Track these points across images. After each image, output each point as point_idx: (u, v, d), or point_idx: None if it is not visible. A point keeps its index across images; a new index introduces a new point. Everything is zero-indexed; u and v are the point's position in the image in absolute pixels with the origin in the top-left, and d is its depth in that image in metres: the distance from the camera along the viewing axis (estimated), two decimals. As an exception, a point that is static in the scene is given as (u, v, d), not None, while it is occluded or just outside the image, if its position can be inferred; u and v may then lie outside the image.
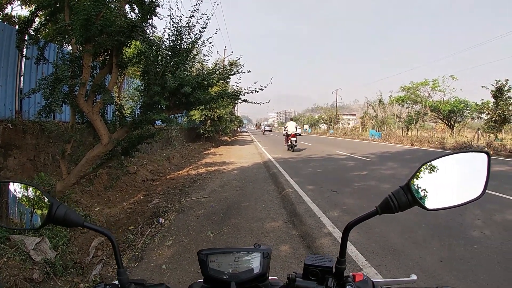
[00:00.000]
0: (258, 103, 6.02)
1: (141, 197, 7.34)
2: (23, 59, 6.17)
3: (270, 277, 1.00)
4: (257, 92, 5.48)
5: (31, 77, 6.45)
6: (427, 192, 0.84)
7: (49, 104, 4.43)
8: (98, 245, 4.38)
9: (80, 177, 5.37)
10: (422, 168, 0.85)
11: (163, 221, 5.41)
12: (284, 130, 18.91)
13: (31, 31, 5.37)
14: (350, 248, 4.14)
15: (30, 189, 0.93)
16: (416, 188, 0.83)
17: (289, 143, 17.87)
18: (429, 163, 0.85)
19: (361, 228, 4.89)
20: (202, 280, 0.98)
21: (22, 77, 6.38)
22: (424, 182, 0.84)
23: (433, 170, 0.85)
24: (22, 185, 0.94)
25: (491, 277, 3.32)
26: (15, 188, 0.95)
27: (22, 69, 6.36)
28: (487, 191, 0.85)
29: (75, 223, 0.87)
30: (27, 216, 0.92)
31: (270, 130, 69.10)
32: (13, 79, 6.01)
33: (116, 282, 0.88)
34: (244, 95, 5.62)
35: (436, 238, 4.43)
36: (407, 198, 0.83)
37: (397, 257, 3.83)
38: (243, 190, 7.87)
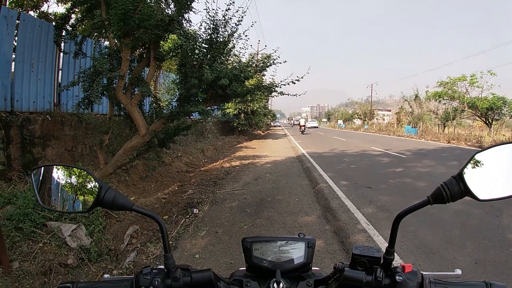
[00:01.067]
0: (294, 95, 5.98)
1: (176, 188, 7.50)
2: (61, 54, 6.36)
3: (313, 268, 1.00)
4: (294, 83, 5.44)
5: (69, 71, 6.65)
6: (479, 182, 0.81)
7: (88, 96, 4.58)
8: (133, 233, 4.51)
9: (117, 167, 5.54)
10: (474, 157, 0.83)
11: (197, 212, 5.51)
12: (298, 123, 31.11)
13: (68, 26, 5.58)
14: (384, 245, 4.04)
15: (78, 172, 0.94)
16: (468, 178, 0.80)
17: (301, 130, 35.08)
18: (481, 152, 0.83)
19: (396, 226, 4.77)
20: (245, 268, 0.99)
21: (60, 71, 6.56)
22: (476, 172, 0.82)
23: (485, 160, 0.82)
24: (70, 168, 0.96)
25: None
26: (61, 171, 0.95)
27: (60, 63, 6.54)
28: None
29: (124, 206, 0.87)
30: (75, 199, 0.94)
31: (305, 126, 54.16)
32: (52, 73, 6.18)
33: (162, 266, 0.88)
34: (280, 87, 5.60)
35: (471, 239, 4.26)
36: (459, 188, 0.80)
37: (431, 257, 3.72)
38: (276, 183, 7.86)
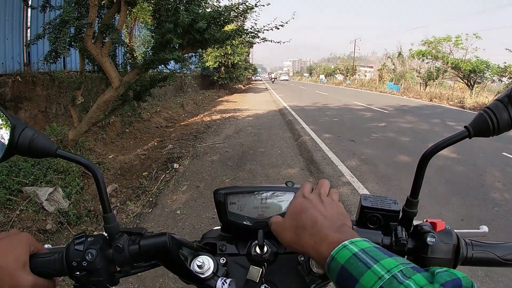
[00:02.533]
0: (278, 42, 5.67)
1: (155, 144, 7.28)
2: (29, 10, 5.87)
3: None
4: (278, 29, 5.14)
5: (38, 28, 6.18)
6: None
7: (55, 48, 4.19)
8: (112, 192, 4.35)
9: (92, 124, 5.25)
10: None
11: (178, 167, 5.35)
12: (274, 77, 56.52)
13: None
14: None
15: None
16: None
17: (272, 80, 52.45)
18: None
19: (380, 179, 4.77)
20: (220, 227, 0.77)
21: (28, 30, 6.10)
22: None
23: None
24: None
25: None
26: None
27: (29, 21, 6.08)
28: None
29: (45, 151, 0.61)
30: None
31: (276, 78, 69.20)
32: (20, 31, 5.78)
33: (104, 233, 0.65)
34: (263, 32, 5.27)
35: (457, 196, 4.30)
36: (509, 115, 0.56)
37: (418, 212, 3.69)
38: (258, 136, 7.75)
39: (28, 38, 6.00)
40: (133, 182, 4.79)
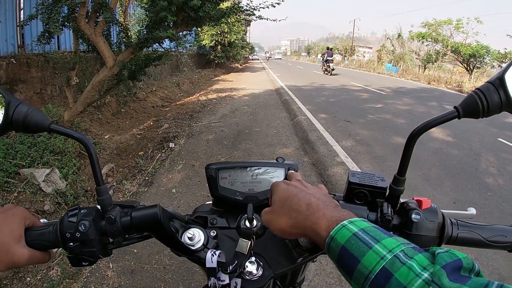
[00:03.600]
0: (274, 20, 5.59)
1: (151, 123, 7.26)
2: None
3: None
4: (274, 6, 5.07)
5: (31, 9, 6.06)
6: None
7: (48, 28, 4.11)
8: (108, 171, 4.37)
9: (87, 105, 5.21)
10: None
11: (173, 146, 5.35)
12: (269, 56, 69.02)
13: None
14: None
15: None
16: (511, 85, 0.57)
17: (267, 58, 64.65)
18: None
19: (375, 160, 4.80)
20: (211, 202, 0.80)
21: (22, 11, 6.00)
22: None
23: None
24: None
25: None
26: None
27: (22, 2, 5.99)
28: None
29: (39, 126, 0.62)
30: None
31: (270, 57, 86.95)
32: (13, 13, 5.69)
33: (98, 206, 0.66)
34: (259, 10, 5.19)
35: (450, 179, 4.33)
36: (499, 97, 0.57)
37: (410, 193, 3.74)
38: (254, 116, 7.74)
39: (22, 19, 5.94)
40: (129, 162, 4.81)
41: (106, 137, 5.70)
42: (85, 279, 2.42)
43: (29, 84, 5.70)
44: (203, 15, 4.54)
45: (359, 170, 4.18)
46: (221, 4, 5.00)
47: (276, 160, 0.78)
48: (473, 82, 21.64)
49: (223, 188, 0.74)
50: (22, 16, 5.92)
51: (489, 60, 25.28)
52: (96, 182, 0.65)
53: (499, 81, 0.57)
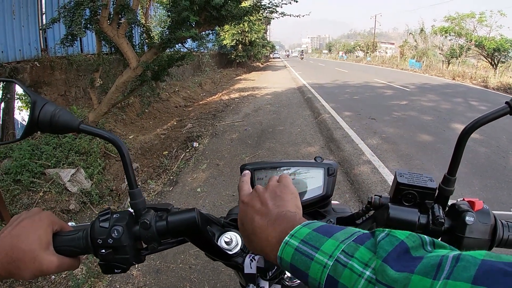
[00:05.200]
0: (297, 16, 5.53)
1: (175, 123, 7.33)
2: None
3: (332, 202, 0.77)
4: (296, 1, 4.99)
5: (53, 13, 6.21)
6: None
7: (71, 31, 4.18)
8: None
9: (112, 106, 5.29)
10: None
11: (197, 145, 5.38)
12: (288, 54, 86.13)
13: None
14: (390, 178, 3.94)
15: (4, 86, 0.66)
16: None
17: (286, 55, 76.16)
18: None
19: (402, 158, 4.68)
20: None
21: (44, 16, 6.14)
22: None
23: None
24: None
25: None
26: None
27: (43, 6, 6.12)
28: None
29: (68, 127, 0.58)
30: (6, 124, 0.66)
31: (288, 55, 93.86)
32: (35, 18, 5.82)
33: (130, 208, 0.63)
34: (281, 7, 5.14)
35: (478, 178, 4.16)
36: None
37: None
38: (277, 114, 7.69)
39: (44, 24, 6.09)
40: (154, 161, 4.86)
41: (130, 137, 5.79)
42: (110, 278, 2.44)
43: (53, 86, 5.82)
44: (226, 14, 4.52)
45: (386, 168, 4.10)
46: (243, 2, 4.98)
47: (315, 159, 0.74)
48: (498, 77, 20.92)
49: None
50: (44, 20, 6.07)
51: None
52: (129, 184, 0.61)
53: None
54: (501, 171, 4.43)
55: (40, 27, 5.85)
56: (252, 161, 0.73)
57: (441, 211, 0.60)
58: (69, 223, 0.64)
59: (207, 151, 5.15)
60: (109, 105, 5.17)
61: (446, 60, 29.26)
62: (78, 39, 4.64)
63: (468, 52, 27.50)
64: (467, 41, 26.86)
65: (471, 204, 0.60)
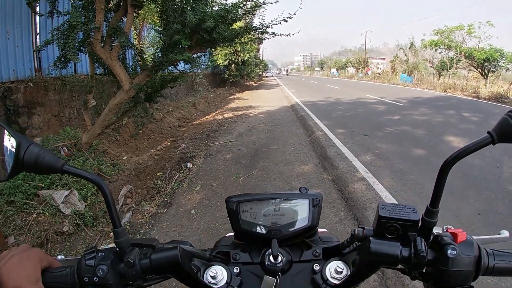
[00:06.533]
0: (287, 35, 5.61)
1: (168, 144, 7.32)
2: (37, 16, 5.95)
3: (319, 230, 0.77)
4: (286, 21, 5.06)
5: (47, 34, 6.28)
6: None
7: (64, 53, 4.22)
8: (127, 193, 4.39)
9: (105, 127, 5.30)
10: None
11: (191, 166, 5.36)
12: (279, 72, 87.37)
13: None
14: (385, 194, 3.95)
15: None
16: None
17: (277, 73, 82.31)
18: None
19: (396, 174, 4.69)
20: (233, 234, 0.76)
21: (38, 36, 6.20)
22: None
23: None
24: None
25: None
26: None
27: (37, 27, 6.18)
28: None
29: (52, 167, 0.59)
30: None
31: (279, 73, 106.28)
32: (29, 38, 5.88)
33: (114, 245, 0.63)
34: (271, 27, 5.23)
35: (473, 190, 4.17)
36: None
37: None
38: (271, 133, 7.72)
39: (38, 44, 6.13)
40: (148, 183, 4.83)
41: (124, 158, 5.76)
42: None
43: (47, 107, 5.82)
44: (217, 36, 4.58)
45: (380, 185, 4.10)
46: (234, 25, 5.05)
47: (299, 190, 0.74)
48: (489, 86, 21.26)
49: (245, 222, 0.70)
50: (38, 40, 6.11)
51: (503, 63, 24.90)
52: (113, 224, 0.62)
53: None
54: (496, 182, 4.46)
55: (34, 49, 5.89)
56: (238, 194, 0.73)
57: (423, 244, 0.59)
58: (58, 257, 0.66)
59: (201, 171, 5.13)
60: (103, 126, 5.18)
61: (437, 73, 29.77)
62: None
63: (458, 63, 27.99)
64: (457, 53, 27.37)
65: (454, 236, 0.60)
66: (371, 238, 0.61)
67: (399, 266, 0.62)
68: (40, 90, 5.69)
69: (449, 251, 0.57)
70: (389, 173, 4.72)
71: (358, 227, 0.66)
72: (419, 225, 0.62)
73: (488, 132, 0.57)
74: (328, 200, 3.91)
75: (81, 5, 4.51)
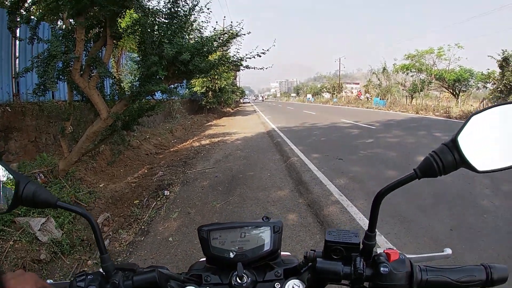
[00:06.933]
0: (260, 68, 5.82)
1: (146, 171, 7.29)
2: (17, 41, 5.98)
3: (282, 253, 0.89)
4: (259, 56, 5.28)
5: (26, 59, 6.27)
6: (476, 150, 0.67)
7: (43, 82, 4.27)
8: (104, 221, 4.36)
9: (82, 154, 5.29)
10: (470, 121, 0.67)
11: (168, 194, 5.37)
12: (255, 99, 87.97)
13: (22, 11, 5.14)
14: (359, 216, 4.07)
15: None
16: (464, 145, 0.66)
17: (254, 100, 68.91)
18: (478, 115, 0.67)
19: (369, 196, 4.82)
20: (205, 259, 0.87)
21: (17, 60, 6.22)
22: (473, 138, 0.67)
23: (482, 124, 0.68)
24: None
25: (502, 247, 3.25)
26: None
27: (17, 51, 6.21)
28: None
29: (47, 203, 0.72)
30: None
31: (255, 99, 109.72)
32: (8, 62, 5.88)
33: (101, 270, 0.75)
34: (245, 60, 5.43)
35: (446, 207, 4.34)
36: (454, 157, 0.66)
37: (407, 225, 3.76)
38: (247, 159, 7.80)
39: (17, 68, 6.11)
40: (125, 211, 4.80)
41: (101, 185, 5.71)
42: None
43: (24, 132, 5.76)
44: (193, 68, 4.72)
45: (354, 207, 4.24)
46: (209, 56, 5.22)
47: (262, 219, 0.85)
48: (460, 106, 22.21)
49: (215, 248, 0.81)
50: (17, 64, 6.11)
51: (473, 82, 26.06)
52: (100, 251, 0.74)
53: (453, 143, 0.66)
54: (467, 197, 4.63)
55: (13, 75, 5.86)
56: (208, 223, 0.85)
57: (362, 263, 0.71)
58: (48, 281, 0.73)
59: (178, 199, 5.15)
60: (80, 154, 5.17)
61: (410, 95, 30.78)
62: (50, 88, 4.71)
63: (430, 85, 29.07)
64: (428, 75, 28.49)
65: (388, 255, 0.71)
66: (318, 259, 0.74)
67: (343, 282, 0.73)
68: (17, 115, 5.65)
69: (381, 268, 0.68)
70: (363, 195, 4.86)
71: (310, 250, 0.77)
72: (361, 247, 0.74)
73: (414, 169, 0.70)
74: (304, 224, 4.00)
75: (62, 34, 4.60)
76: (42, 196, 0.71)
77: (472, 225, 3.77)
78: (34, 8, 5.24)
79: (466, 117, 0.67)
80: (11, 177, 0.71)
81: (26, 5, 5.05)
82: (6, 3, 9.34)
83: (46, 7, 4.56)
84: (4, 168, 0.73)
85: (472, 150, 0.66)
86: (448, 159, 0.67)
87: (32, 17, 4.93)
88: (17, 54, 6.20)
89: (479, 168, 0.67)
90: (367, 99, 34.85)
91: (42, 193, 0.71)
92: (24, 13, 4.97)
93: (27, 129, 5.88)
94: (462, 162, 0.67)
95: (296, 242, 3.55)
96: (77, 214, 0.74)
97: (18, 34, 5.71)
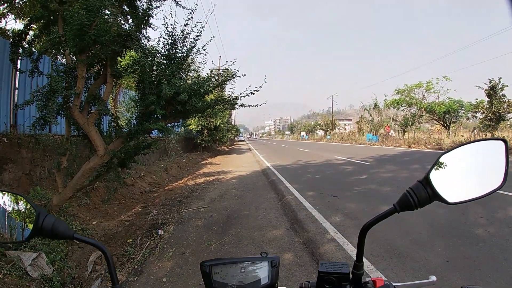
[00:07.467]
0: (255, 106, 5.96)
1: (140, 209, 7.23)
2: (17, 72, 6.10)
3: None
4: (253, 94, 5.43)
5: (26, 90, 6.39)
6: (447, 185, 0.78)
7: (43, 116, 4.35)
8: (96, 259, 4.29)
9: (77, 190, 5.27)
10: (439, 160, 0.80)
11: (162, 233, 5.31)
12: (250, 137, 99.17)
13: (24, 43, 5.32)
14: (355, 253, 4.03)
15: (14, 198, 0.84)
16: (436, 181, 0.77)
17: (248, 137, 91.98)
18: (446, 154, 0.80)
19: (364, 231, 4.80)
20: None
21: (16, 91, 6.31)
22: (443, 174, 0.79)
23: (451, 162, 0.80)
24: (4, 193, 0.85)
25: (499, 274, 3.25)
26: (3, 198, 0.85)
27: (17, 82, 6.31)
28: None
29: (65, 235, 0.78)
30: (12, 228, 0.82)
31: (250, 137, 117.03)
32: (7, 92, 5.95)
33: None
34: (240, 99, 5.58)
35: (440, 238, 4.35)
36: (427, 192, 0.77)
37: (403, 260, 3.74)
38: (242, 199, 7.78)
39: (16, 99, 6.20)
40: (118, 249, 4.74)
41: (94, 223, 5.66)
42: None
43: (18, 164, 5.73)
44: (190, 108, 4.85)
45: (350, 244, 4.24)
46: (206, 97, 5.36)
47: (260, 254, 0.91)
48: (451, 137, 22.59)
49: (216, 282, 0.86)
50: (16, 95, 6.18)
51: (463, 113, 26.69)
52: (112, 281, 0.80)
53: (426, 180, 0.78)
54: (462, 228, 4.65)
55: (12, 105, 5.91)
56: (210, 259, 0.91)
57: None
58: None
59: (173, 239, 5.09)
60: (74, 190, 5.16)
61: (401, 129, 31.35)
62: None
63: (420, 118, 29.70)
64: (419, 109, 29.17)
65: (374, 283, 0.79)
66: None
67: None
68: (13, 147, 5.65)
69: None
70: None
71: (305, 281, 0.86)
72: (351, 276, 0.82)
73: (393, 204, 0.80)
74: (300, 263, 3.95)
75: (63, 70, 4.73)
76: (61, 229, 0.77)
77: (468, 255, 3.77)
78: (36, 42, 5.41)
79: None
80: (32, 209, 0.78)
81: (29, 37, 5.24)
82: (8, 33, 9.66)
83: (48, 41, 4.73)
84: (25, 200, 0.80)
85: (443, 185, 0.77)
86: (422, 194, 0.77)
87: (34, 49, 5.09)
88: (17, 85, 6.30)
89: (450, 201, 0.79)
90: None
91: (60, 226, 0.77)
92: (26, 45, 5.14)
93: (22, 161, 5.86)
94: (435, 196, 0.77)
95: (292, 281, 3.50)
96: (93, 246, 0.80)
97: (19, 66, 5.85)
